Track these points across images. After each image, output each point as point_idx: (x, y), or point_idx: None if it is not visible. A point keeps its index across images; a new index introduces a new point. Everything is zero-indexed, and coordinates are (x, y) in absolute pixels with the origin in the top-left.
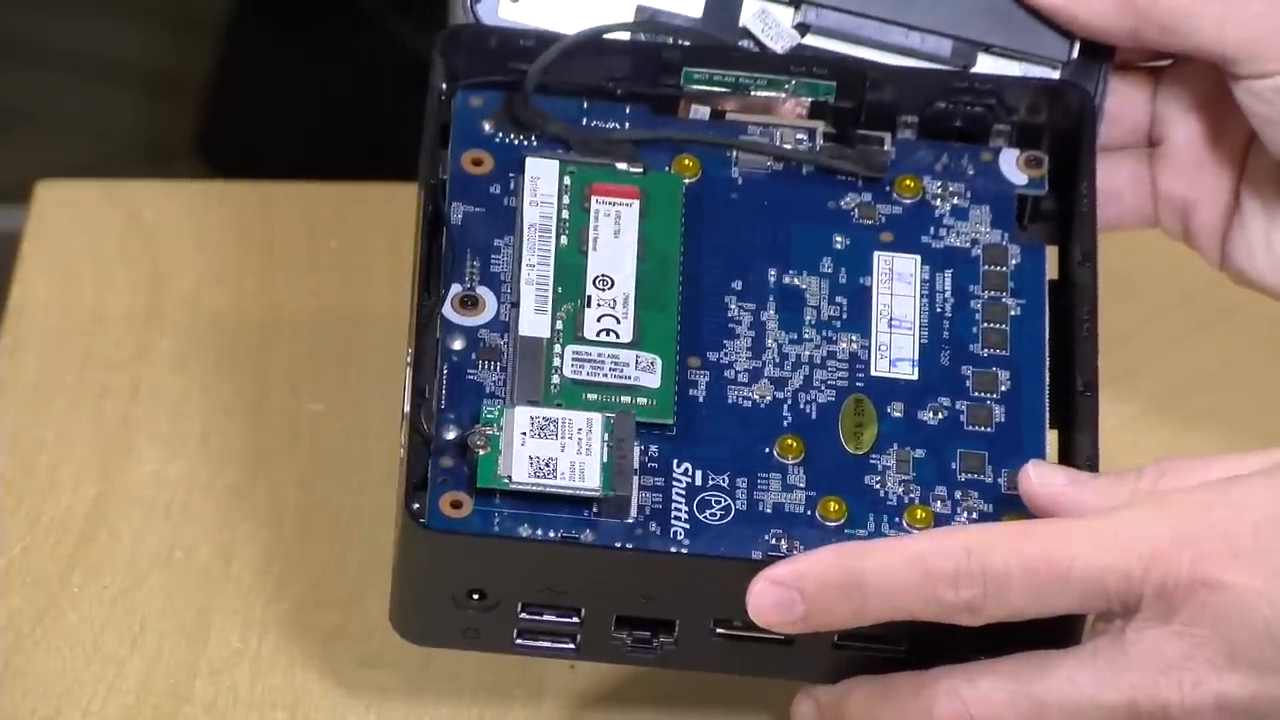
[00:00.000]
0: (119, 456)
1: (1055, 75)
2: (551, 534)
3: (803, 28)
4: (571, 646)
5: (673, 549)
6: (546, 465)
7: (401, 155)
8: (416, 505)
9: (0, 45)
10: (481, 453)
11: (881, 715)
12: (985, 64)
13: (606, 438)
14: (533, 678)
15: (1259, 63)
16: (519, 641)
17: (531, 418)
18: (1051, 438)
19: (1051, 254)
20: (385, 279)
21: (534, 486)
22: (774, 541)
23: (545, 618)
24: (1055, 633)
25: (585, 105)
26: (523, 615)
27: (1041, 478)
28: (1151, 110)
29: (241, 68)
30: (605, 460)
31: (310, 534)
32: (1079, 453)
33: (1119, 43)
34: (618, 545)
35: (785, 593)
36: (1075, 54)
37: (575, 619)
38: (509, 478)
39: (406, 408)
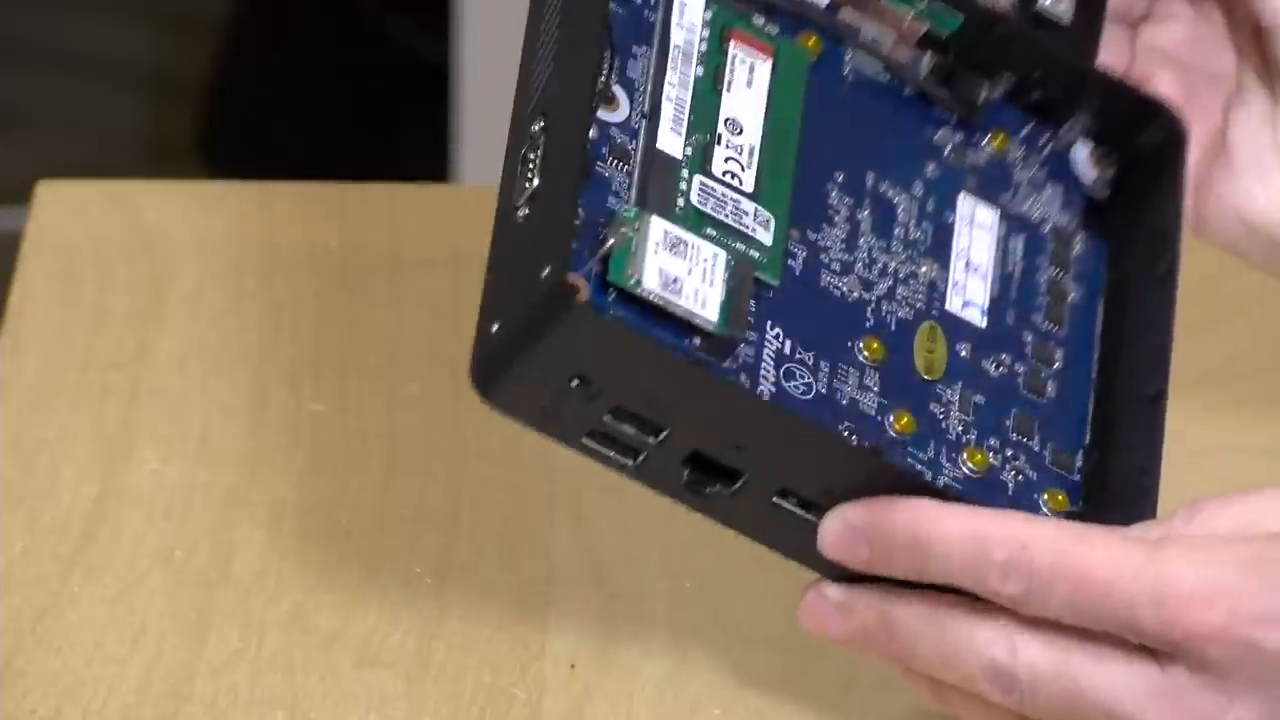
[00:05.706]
0: (119, 456)
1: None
2: (678, 351)
3: None
4: (630, 463)
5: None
6: (674, 282)
7: (402, 155)
8: (574, 276)
9: (0, 45)
10: (619, 245)
11: (925, 637)
12: None
13: (727, 276)
14: (533, 677)
15: None
16: (585, 441)
17: (665, 231)
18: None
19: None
20: (385, 279)
21: (658, 298)
22: (848, 435)
23: (624, 428)
24: None
25: None
26: (606, 419)
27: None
28: None
29: (241, 68)
30: (724, 298)
31: (310, 534)
32: (1128, 468)
33: None
34: (742, 379)
35: (855, 536)
36: None
37: (653, 439)
38: (638, 279)
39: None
